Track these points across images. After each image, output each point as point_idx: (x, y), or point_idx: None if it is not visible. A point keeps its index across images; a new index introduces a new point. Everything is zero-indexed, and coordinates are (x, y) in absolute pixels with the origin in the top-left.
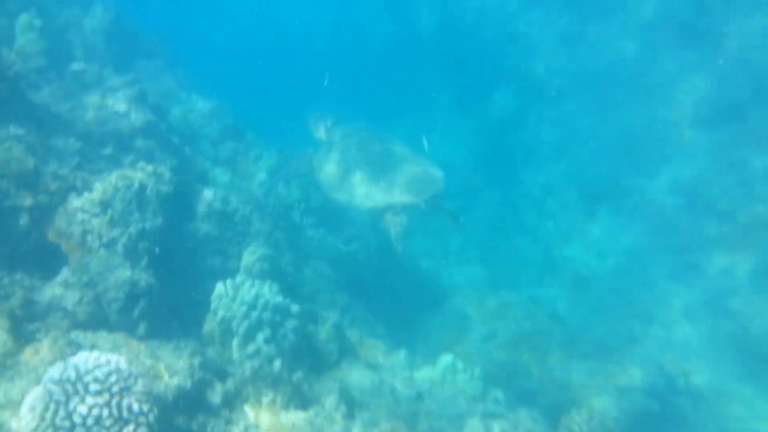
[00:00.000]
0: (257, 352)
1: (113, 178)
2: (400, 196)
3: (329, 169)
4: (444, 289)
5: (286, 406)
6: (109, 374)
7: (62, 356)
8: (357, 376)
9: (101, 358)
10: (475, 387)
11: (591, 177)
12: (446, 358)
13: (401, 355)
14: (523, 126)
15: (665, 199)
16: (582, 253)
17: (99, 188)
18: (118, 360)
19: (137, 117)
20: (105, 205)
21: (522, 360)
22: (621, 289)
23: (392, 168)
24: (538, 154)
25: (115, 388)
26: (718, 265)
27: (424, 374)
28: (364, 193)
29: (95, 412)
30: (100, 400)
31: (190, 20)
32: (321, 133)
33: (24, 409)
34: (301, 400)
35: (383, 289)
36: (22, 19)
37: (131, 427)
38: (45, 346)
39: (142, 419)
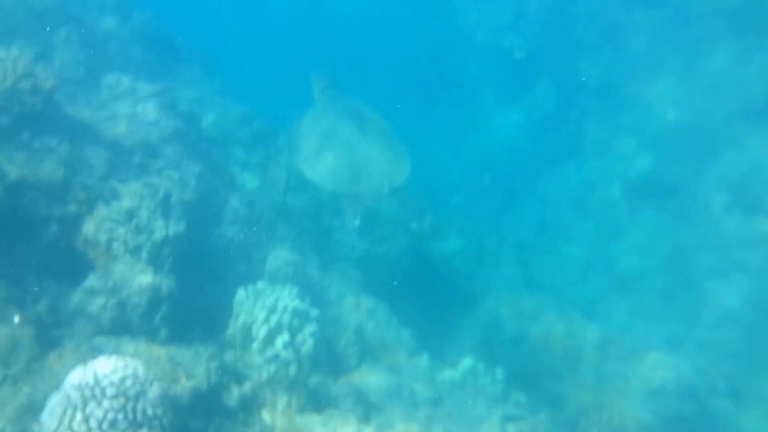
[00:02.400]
0: (275, 356)
1: (139, 186)
2: (358, 185)
3: (304, 138)
4: (477, 291)
5: (302, 410)
6: (124, 379)
7: (84, 361)
8: (376, 379)
9: (119, 363)
10: (496, 389)
11: (634, 174)
12: (467, 360)
13: (424, 358)
14: (565, 121)
15: (712, 196)
16: (624, 253)
17: (125, 197)
18: (135, 365)
19: (166, 125)
20: (131, 213)
21: (553, 362)
22: (663, 289)
23: (359, 152)
24: (580, 150)
25: (130, 392)
26: (765, 265)
27: (445, 376)
28: (327, 174)
29: (110, 416)
30: (116, 404)
31: (226, 26)
32: (316, 92)
33: (44, 413)
34: (318, 403)
35: (412, 291)
36: (61, 32)
37: (145, 430)
38: (69, 352)
39: (156, 423)
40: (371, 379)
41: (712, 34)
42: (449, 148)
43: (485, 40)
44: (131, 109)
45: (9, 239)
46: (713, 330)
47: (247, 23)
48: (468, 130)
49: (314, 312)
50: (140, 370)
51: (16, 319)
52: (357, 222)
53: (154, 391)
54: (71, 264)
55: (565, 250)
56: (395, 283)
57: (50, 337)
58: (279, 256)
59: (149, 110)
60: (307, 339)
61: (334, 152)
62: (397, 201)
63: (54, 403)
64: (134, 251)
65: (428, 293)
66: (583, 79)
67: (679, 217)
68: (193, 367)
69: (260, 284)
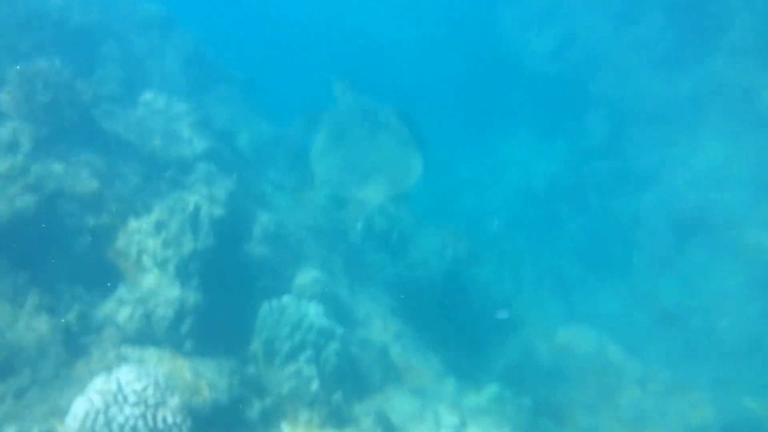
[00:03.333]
0: (298, 372)
1: (170, 200)
2: (364, 188)
3: (319, 140)
4: (513, 320)
5: (323, 426)
6: (146, 387)
7: (110, 369)
8: (399, 401)
9: (141, 372)
10: (522, 418)
11: (683, 208)
12: (494, 387)
13: (450, 382)
14: (613, 152)
15: (763, 235)
16: (670, 288)
17: (156, 210)
18: (157, 374)
19: (200, 142)
20: (160, 226)
21: (588, 395)
22: (710, 328)
23: (368, 155)
24: (628, 182)
25: (151, 401)
26: None
27: (471, 402)
28: (335, 174)
29: (131, 422)
30: (137, 411)
31: (267, 47)
32: (338, 91)
33: (69, 416)
34: (339, 420)
35: (445, 316)
36: (103, 48)
37: None
38: (95, 359)
39: (175, 430)
40: (395, 400)
41: (765, 71)
42: (490, 175)
43: (531, 66)
44: (166, 125)
45: (44, 248)
46: (761, 372)
47: (289, 46)
48: (510, 158)
49: (339, 331)
50: (162, 379)
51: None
52: (360, 225)
53: (174, 401)
54: (102, 274)
55: (611, 283)
56: (427, 308)
57: (78, 344)
58: (307, 275)
59: (184, 127)
60: (330, 357)
61: (344, 154)
62: (433, 230)
63: (78, 407)
64: (162, 264)
65: (461, 320)
66: (632, 109)
67: (729, 255)
68: (216, 380)
69: (285, 299)
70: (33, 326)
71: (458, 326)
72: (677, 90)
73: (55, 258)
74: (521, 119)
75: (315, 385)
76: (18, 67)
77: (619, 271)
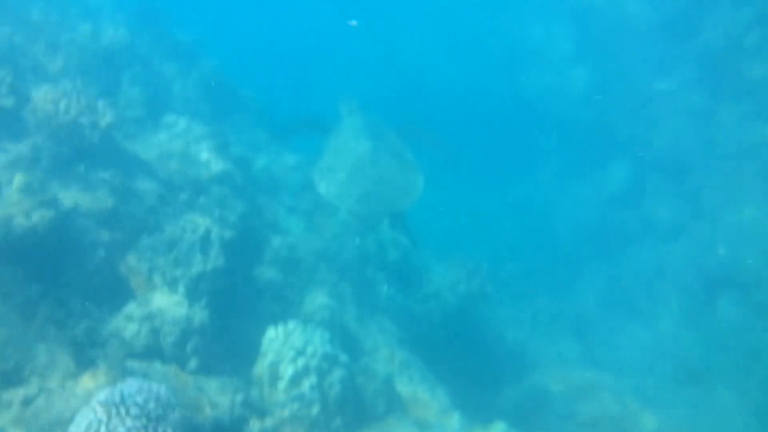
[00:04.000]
0: (300, 396)
1: (182, 221)
2: (364, 205)
3: (323, 155)
4: (528, 361)
5: None
6: (148, 401)
7: (115, 382)
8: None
9: (144, 386)
10: None
11: (713, 263)
12: (500, 425)
13: (455, 417)
14: (639, 201)
15: None
16: (697, 343)
17: (168, 230)
18: (160, 389)
19: (216, 166)
20: (172, 246)
21: None
22: (738, 388)
23: (369, 174)
24: (654, 232)
25: (153, 414)
26: None
27: None
28: (337, 191)
29: None
30: (138, 423)
31: (288, 75)
32: (344, 112)
33: (72, 426)
34: None
35: (455, 352)
36: (128, 73)
37: None
38: (101, 372)
39: None
40: (396, 430)
41: None
42: (511, 215)
43: (555, 111)
44: (185, 148)
45: (58, 262)
46: None
47: (313, 76)
48: (532, 199)
49: (344, 358)
50: (164, 394)
51: None
52: (357, 240)
53: (175, 416)
54: (113, 289)
55: (632, 331)
56: (437, 341)
57: (86, 357)
58: (315, 300)
59: (202, 151)
60: (334, 383)
61: (346, 171)
62: (448, 265)
63: (81, 417)
64: (172, 283)
65: (472, 356)
66: (661, 159)
67: (759, 313)
68: (218, 399)
69: (291, 324)
70: (43, 337)
71: (468, 362)
72: (710, 143)
73: (67, 273)
74: (546, 161)
75: (316, 410)
76: (43, 87)
77: (641, 319)
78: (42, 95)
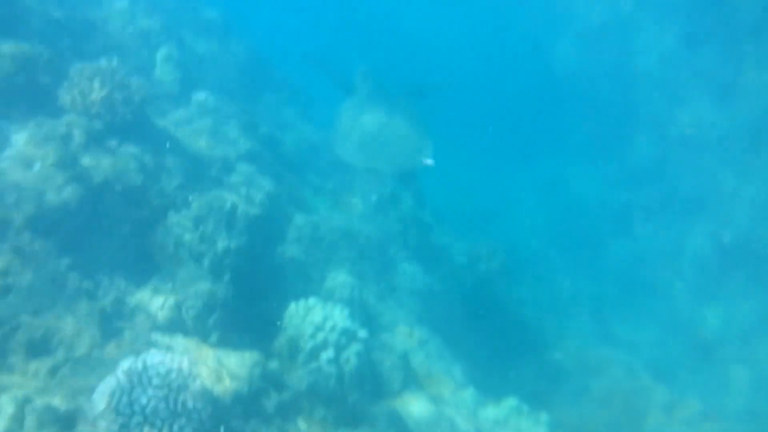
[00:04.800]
0: (318, 369)
1: (208, 197)
2: (377, 160)
3: (339, 119)
4: (545, 340)
5: (337, 424)
6: (170, 371)
7: (138, 352)
8: (416, 407)
9: (166, 357)
10: None
11: (729, 237)
12: (512, 399)
13: (469, 391)
14: (661, 177)
15: None
16: (711, 317)
17: (195, 206)
18: (181, 360)
19: (244, 144)
20: (198, 222)
21: (614, 418)
22: (748, 359)
23: (382, 133)
24: (675, 209)
25: (174, 384)
26: None
27: (489, 413)
28: (353, 149)
29: (153, 403)
30: (159, 393)
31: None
32: (358, 81)
33: (95, 393)
34: (354, 420)
35: (473, 329)
36: (162, 50)
37: (183, 420)
38: (126, 342)
39: (194, 415)
40: (412, 406)
41: None
42: (534, 194)
43: (582, 88)
44: (215, 125)
45: (88, 235)
46: None
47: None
48: (556, 177)
49: (362, 333)
50: (185, 365)
51: None
52: (374, 198)
53: (196, 386)
54: (141, 264)
55: (650, 308)
56: (455, 318)
57: (112, 328)
58: (336, 278)
59: (231, 129)
60: (351, 358)
61: (360, 132)
62: (468, 243)
63: (105, 386)
64: (197, 258)
65: (490, 333)
66: (685, 131)
67: None
68: (238, 370)
69: (311, 300)
70: (71, 308)
71: (486, 339)
72: (733, 119)
73: (97, 245)
74: (571, 138)
75: (333, 383)
76: (78, 65)
77: (660, 297)
78: (77, 72)
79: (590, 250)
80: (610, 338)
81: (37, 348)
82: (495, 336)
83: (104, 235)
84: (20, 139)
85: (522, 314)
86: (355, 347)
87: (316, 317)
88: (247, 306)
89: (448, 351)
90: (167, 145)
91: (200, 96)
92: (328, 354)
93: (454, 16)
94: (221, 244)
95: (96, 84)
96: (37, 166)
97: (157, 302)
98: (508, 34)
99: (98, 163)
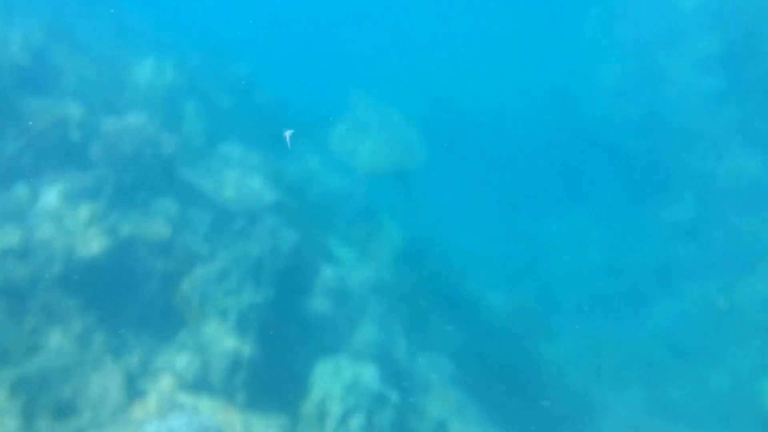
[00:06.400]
0: None
1: (234, 250)
2: (371, 165)
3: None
4: (592, 407)
5: None
6: None
7: (164, 414)
8: None
9: (194, 420)
10: None
11: None
12: None
13: None
14: (702, 234)
15: None
16: None
17: (220, 260)
18: (209, 425)
19: (269, 194)
20: (223, 275)
21: None
22: None
23: (379, 143)
24: (723, 267)
25: None
26: None
27: None
28: (349, 153)
29: None
30: None
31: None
32: (356, 97)
33: None
34: None
35: (513, 394)
36: (189, 105)
37: None
38: (152, 403)
39: None
40: None
41: None
42: (568, 245)
43: (615, 139)
44: (239, 177)
45: (114, 289)
46: None
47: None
48: (591, 230)
49: (395, 397)
50: (213, 429)
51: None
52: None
53: None
54: (166, 318)
55: (708, 377)
56: (492, 380)
57: (137, 387)
58: (366, 334)
59: (255, 180)
60: (384, 425)
61: (358, 138)
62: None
63: None
64: (223, 313)
65: (533, 399)
66: (724, 189)
67: None
68: None
69: (341, 360)
70: (97, 367)
71: (527, 403)
72: None
73: (123, 301)
74: (603, 191)
75: None
76: (109, 121)
77: (716, 364)
78: (108, 128)
79: (631, 307)
80: (665, 410)
81: (64, 410)
82: (536, 400)
83: (131, 289)
84: (51, 194)
85: (565, 377)
86: (388, 414)
87: (345, 378)
88: (274, 363)
89: (486, 416)
90: (194, 198)
91: (225, 148)
92: (359, 420)
93: (492, 77)
94: (247, 299)
95: (126, 140)
96: (66, 222)
97: (183, 360)
98: (538, 84)
99: (127, 218)
